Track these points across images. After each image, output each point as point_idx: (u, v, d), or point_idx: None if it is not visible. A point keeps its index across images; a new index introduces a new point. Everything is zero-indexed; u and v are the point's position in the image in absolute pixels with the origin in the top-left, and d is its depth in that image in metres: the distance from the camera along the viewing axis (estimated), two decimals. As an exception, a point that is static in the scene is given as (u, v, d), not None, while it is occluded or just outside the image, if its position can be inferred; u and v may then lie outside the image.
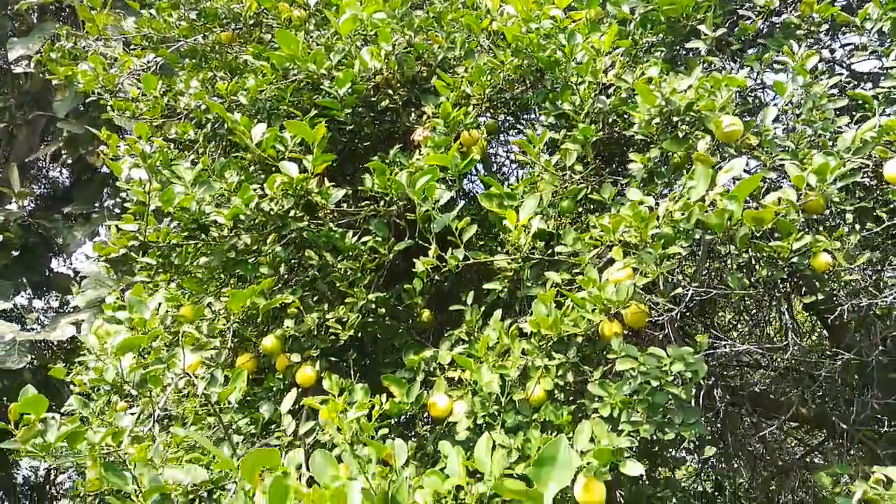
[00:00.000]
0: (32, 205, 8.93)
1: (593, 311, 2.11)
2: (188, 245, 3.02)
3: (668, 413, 2.09)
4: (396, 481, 1.85)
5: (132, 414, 2.11)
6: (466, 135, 2.83)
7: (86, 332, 5.43)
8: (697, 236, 2.16)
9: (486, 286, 2.70)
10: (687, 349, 2.07)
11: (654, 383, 2.03)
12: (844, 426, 2.64)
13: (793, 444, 3.99)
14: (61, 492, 9.85)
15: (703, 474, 4.14)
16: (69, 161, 8.20)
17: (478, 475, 2.05)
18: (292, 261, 3.02)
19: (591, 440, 2.01)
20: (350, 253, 2.85)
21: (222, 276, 3.02)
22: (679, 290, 2.16)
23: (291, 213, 2.84)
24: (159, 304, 2.09)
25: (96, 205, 7.45)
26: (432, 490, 1.98)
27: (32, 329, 6.54)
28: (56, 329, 5.98)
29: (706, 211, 2.10)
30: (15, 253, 7.12)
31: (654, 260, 2.05)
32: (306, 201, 2.84)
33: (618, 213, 2.16)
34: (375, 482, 1.91)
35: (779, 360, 2.85)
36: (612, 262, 2.29)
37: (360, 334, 2.95)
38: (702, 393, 2.39)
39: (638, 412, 2.07)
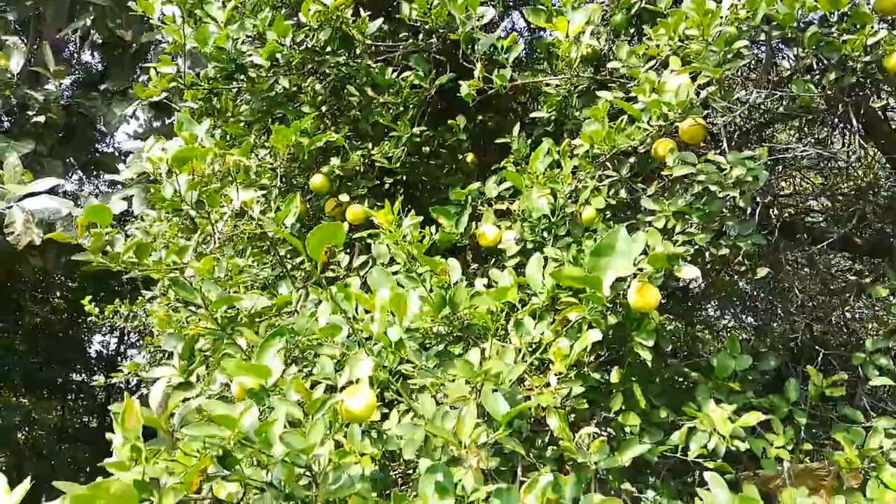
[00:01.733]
0: (69, 91, 8.94)
1: (648, 120, 2.03)
2: (228, 90, 2.99)
3: (724, 222, 2.05)
4: (453, 289, 1.89)
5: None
6: (508, -48, 2.64)
7: (137, 205, 5.57)
8: (763, 37, 2.01)
9: (532, 115, 2.62)
10: (748, 153, 1.99)
11: (713, 188, 1.98)
12: (903, 246, 2.57)
13: (843, 282, 3.95)
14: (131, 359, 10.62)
15: (745, 313, 4.16)
16: (100, 41, 8.10)
17: (529, 292, 2.07)
18: (333, 105, 2.97)
19: (645, 252, 2.00)
20: (391, 89, 2.78)
21: (264, 120, 3.00)
22: (742, 93, 2.05)
23: (328, 49, 2.76)
24: (203, 135, 2.09)
25: (131, 80, 7.41)
26: (486, 304, 2.01)
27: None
28: (108, 204, 6.15)
29: (774, 5, 1.94)
30: (60, 135, 7.23)
31: (716, 61, 1.93)
32: (342, 35, 2.74)
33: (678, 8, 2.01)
34: (433, 293, 1.96)
35: (840, 181, 2.74)
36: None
37: (405, 178, 2.94)
38: (758, 211, 2.32)
39: (694, 222, 2.03)
